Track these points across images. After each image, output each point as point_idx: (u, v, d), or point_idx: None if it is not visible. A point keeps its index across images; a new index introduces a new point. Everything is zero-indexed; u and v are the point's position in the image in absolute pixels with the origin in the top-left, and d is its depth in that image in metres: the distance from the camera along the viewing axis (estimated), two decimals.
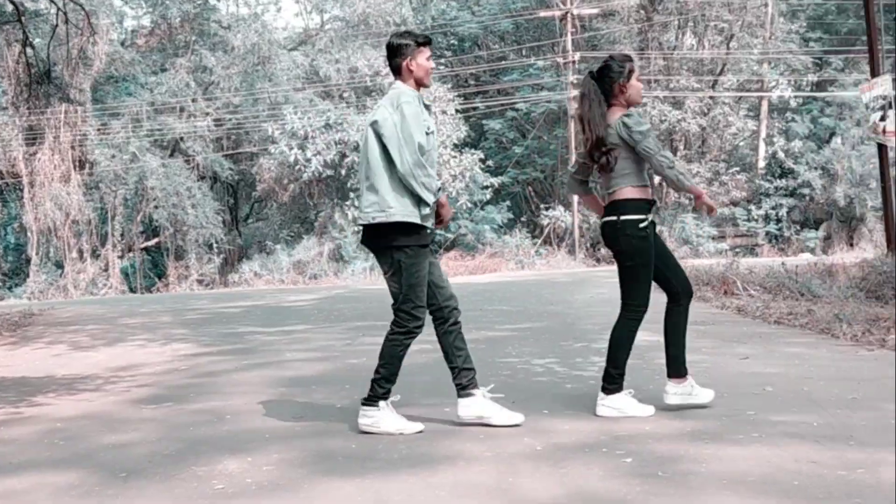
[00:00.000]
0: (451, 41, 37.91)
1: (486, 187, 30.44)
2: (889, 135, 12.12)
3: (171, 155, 33.13)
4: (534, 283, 18.76)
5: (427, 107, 4.95)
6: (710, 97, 32.56)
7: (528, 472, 3.94)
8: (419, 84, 4.92)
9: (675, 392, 5.15)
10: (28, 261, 30.97)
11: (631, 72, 5.06)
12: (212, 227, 31.48)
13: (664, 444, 4.30)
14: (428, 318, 4.95)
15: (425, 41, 4.93)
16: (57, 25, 15.27)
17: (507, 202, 32.99)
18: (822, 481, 3.61)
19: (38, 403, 6.33)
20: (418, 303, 4.80)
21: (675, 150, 33.72)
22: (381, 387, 4.80)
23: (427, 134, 4.80)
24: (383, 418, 4.77)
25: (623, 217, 5.01)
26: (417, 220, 4.73)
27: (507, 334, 9.23)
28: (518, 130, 35.19)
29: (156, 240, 32.78)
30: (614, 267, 5.44)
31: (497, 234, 31.02)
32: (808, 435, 4.36)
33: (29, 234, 30.40)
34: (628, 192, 5.02)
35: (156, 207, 30.77)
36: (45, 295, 28.31)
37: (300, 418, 5.33)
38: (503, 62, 36.14)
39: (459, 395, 4.91)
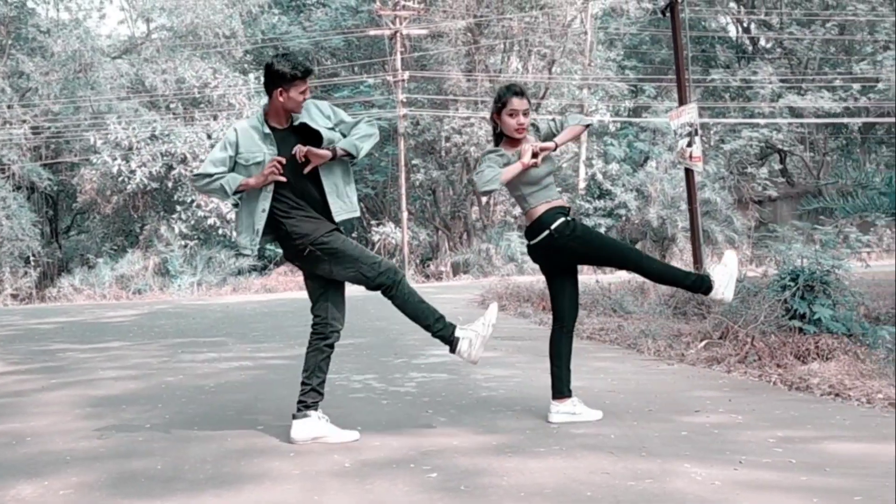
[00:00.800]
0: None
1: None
2: (695, 160, 12.82)
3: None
4: (361, 298, 18.74)
5: (267, 135, 4.85)
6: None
7: (335, 489, 3.97)
8: (288, 112, 4.84)
9: (557, 411, 5.29)
10: None
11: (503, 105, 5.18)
12: (28, 240, 29.98)
13: (469, 458, 4.42)
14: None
15: (305, 74, 4.76)
16: None
17: None
18: (613, 491, 3.79)
19: None
20: (378, 259, 4.87)
21: None
22: (444, 328, 4.96)
23: (246, 166, 4.82)
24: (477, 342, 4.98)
25: None
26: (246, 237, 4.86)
27: None
28: None
29: None
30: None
31: None
32: (604, 446, 4.58)
33: None
34: None
35: None
36: None
37: (105, 438, 5.18)
38: (335, 79, 36.17)
39: (296, 416, 4.92)
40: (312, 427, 4.88)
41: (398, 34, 33.10)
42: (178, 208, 28.63)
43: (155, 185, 28.60)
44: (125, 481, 4.21)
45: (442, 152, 33.24)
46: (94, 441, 5.10)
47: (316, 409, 4.94)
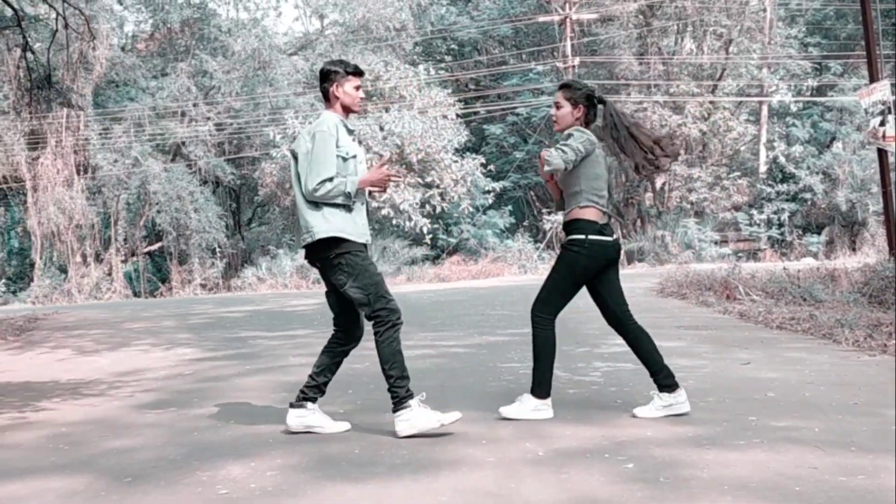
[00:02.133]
0: (451, 46, 37.99)
1: (488, 192, 30.49)
2: (889, 140, 12.13)
3: (173, 159, 33.16)
4: (536, 287, 18.70)
5: (351, 132, 5.10)
6: (711, 102, 32.59)
7: (530, 477, 3.96)
8: (347, 110, 5.09)
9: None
10: (32, 265, 31.00)
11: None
12: (214, 232, 31.50)
13: (665, 450, 4.32)
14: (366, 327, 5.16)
15: (355, 71, 5.08)
16: (57, 30, 15.30)
17: (509, 206, 33.03)
18: (822, 487, 3.62)
19: (43, 408, 6.36)
20: (387, 296, 4.93)
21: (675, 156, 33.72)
22: (400, 387, 4.86)
23: (346, 159, 4.96)
24: (418, 417, 4.81)
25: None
26: (342, 235, 4.91)
27: (509, 339, 9.25)
28: (519, 135, 35.23)
29: (159, 244, 32.82)
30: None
31: (499, 239, 31.06)
32: (808, 440, 4.38)
33: (33, 238, 30.45)
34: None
35: (158, 212, 30.80)
36: (49, 299, 28.34)
37: None
38: (503, 67, 36.21)
39: (294, 405, 5.10)
40: (309, 417, 5.05)
41: (568, 19, 32.79)
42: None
43: None
44: (326, 464, 4.34)
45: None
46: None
47: (314, 403, 5.11)
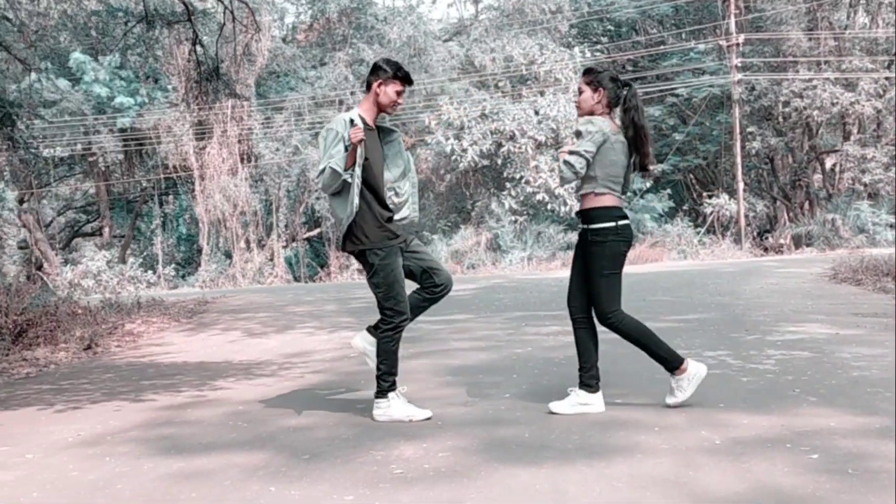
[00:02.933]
0: (608, 27, 37.35)
1: (646, 175, 29.92)
2: None
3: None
4: (697, 273, 18.28)
5: (381, 129, 5.22)
6: (886, 78, 30.85)
7: (708, 466, 3.83)
8: (381, 109, 5.17)
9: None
10: (199, 251, 32.49)
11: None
12: None
13: (852, 441, 4.11)
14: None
15: (404, 78, 5.12)
16: (224, 24, 15.82)
17: (668, 190, 32.28)
18: None
19: (219, 387, 6.63)
20: (399, 299, 5.10)
21: (848, 135, 32.16)
22: (385, 381, 5.10)
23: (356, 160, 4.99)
24: (394, 407, 5.05)
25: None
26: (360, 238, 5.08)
27: (674, 325, 9.02)
28: (678, 117, 34.36)
29: (317, 230, 33.75)
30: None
31: (658, 223, 30.43)
32: None
33: (200, 224, 31.87)
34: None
35: (317, 199, 31.63)
36: (216, 283, 29.62)
37: (471, 406, 5.38)
38: (662, 47, 35.33)
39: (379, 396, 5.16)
40: (395, 407, 5.09)
41: None
42: (508, 185, 29.32)
43: (485, 162, 29.50)
44: (497, 447, 4.33)
45: (780, 118, 31.42)
46: (461, 408, 5.31)
47: (393, 390, 5.15)
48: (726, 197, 30.50)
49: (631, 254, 25.70)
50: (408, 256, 5.21)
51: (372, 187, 5.06)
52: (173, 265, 33.48)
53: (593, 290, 5.04)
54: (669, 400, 5.01)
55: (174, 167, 32.41)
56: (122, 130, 31.83)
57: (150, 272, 30.54)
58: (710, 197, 30.84)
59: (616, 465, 3.91)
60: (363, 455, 4.28)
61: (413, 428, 4.82)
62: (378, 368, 5.12)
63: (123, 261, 31.76)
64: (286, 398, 6.00)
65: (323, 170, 4.99)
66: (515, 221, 29.45)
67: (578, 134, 4.99)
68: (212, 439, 4.83)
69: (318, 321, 11.54)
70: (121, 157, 33.25)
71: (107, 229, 35.43)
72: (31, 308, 9.95)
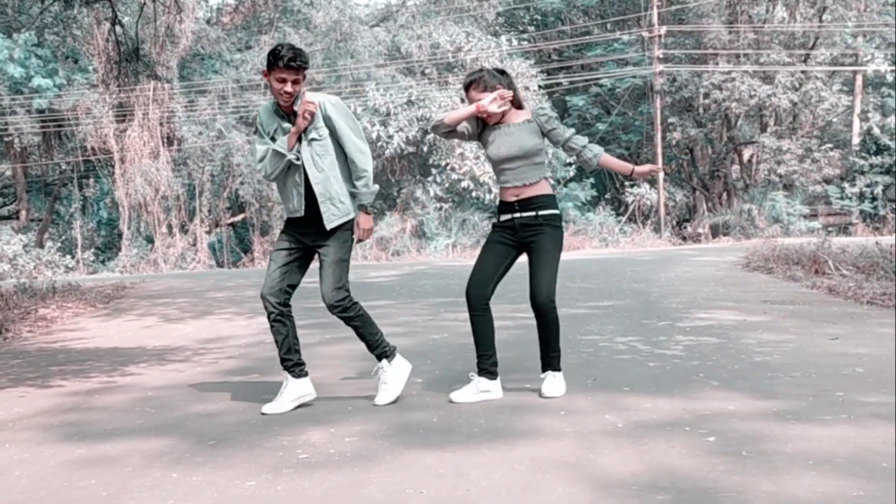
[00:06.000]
0: (534, 16, 37.59)
1: (569, 164, 30.23)
2: None
3: (257, 132, 33.62)
4: (617, 261, 18.58)
5: (282, 115, 4.93)
6: (802, 72, 31.66)
7: (609, 448, 3.92)
8: (280, 104, 4.89)
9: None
10: (120, 235, 31.86)
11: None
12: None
13: (748, 424, 4.24)
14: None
15: (286, 65, 4.69)
16: (145, 4, 15.55)
17: (591, 179, 32.68)
18: None
19: (131, 373, 6.54)
20: (266, 279, 5.19)
21: (764, 127, 32.91)
22: (383, 345, 5.22)
23: (275, 139, 4.94)
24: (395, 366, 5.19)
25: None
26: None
27: (589, 312, 9.17)
28: (602, 107, 34.79)
29: (241, 215, 33.36)
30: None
31: (580, 212, 30.80)
32: None
33: (120, 209, 31.24)
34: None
35: (241, 184, 31.26)
36: (137, 269, 29.09)
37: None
38: (587, 37, 35.71)
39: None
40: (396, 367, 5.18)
41: None
42: (433, 171, 29.38)
43: (411, 149, 29.51)
44: (404, 431, 4.36)
45: (700, 109, 32.04)
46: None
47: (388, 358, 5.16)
48: (647, 186, 31.03)
49: None
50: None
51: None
52: (93, 250, 32.76)
53: (544, 276, 4.94)
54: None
55: (94, 150, 31.68)
56: (40, 111, 31.01)
57: (68, 257, 29.81)
58: (631, 186, 31.32)
59: (519, 448, 3.98)
60: (270, 440, 4.28)
61: (321, 413, 4.83)
62: (374, 335, 5.18)
63: (41, 245, 30.95)
64: (198, 384, 5.95)
65: (262, 157, 4.92)
66: (440, 209, 29.53)
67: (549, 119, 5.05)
68: (117, 425, 4.78)
69: (237, 307, 11.43)
70: (38, 138, 32.39)
71: (24, 213, 34.46)
72: None
